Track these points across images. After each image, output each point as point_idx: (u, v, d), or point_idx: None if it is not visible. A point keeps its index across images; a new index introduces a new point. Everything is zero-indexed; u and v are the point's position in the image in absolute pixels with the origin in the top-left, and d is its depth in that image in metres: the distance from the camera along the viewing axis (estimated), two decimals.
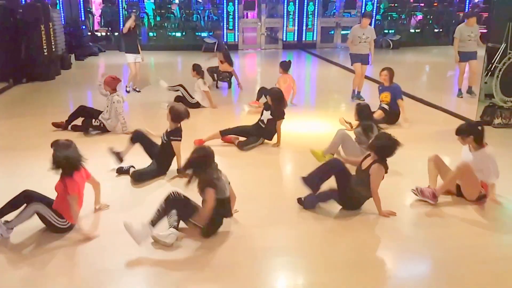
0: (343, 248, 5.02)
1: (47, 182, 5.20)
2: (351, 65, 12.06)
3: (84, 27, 20.96)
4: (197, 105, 10.74)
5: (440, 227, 5.52)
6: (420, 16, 26.37)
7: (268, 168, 7.37)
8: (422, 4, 26.19)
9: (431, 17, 26.13)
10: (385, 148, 5.56)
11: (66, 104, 12.01)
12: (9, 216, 5.06)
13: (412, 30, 26.07)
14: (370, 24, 12.06)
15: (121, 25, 22.74)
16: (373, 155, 5.63)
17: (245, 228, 5.41)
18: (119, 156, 6.96)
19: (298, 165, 7.54)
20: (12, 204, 5.09)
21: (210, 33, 23.71)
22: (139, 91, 12.61)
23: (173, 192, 5.07)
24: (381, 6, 25.41)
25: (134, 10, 21.94)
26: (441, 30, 25.87)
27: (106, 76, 8.83)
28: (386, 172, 5.58)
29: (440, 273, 4.63)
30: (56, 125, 9.04)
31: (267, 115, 8.16)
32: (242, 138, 8.23)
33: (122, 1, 22.95)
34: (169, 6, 24.47)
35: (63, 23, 19.00)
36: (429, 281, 4.53)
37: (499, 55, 9.31)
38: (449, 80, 15.14)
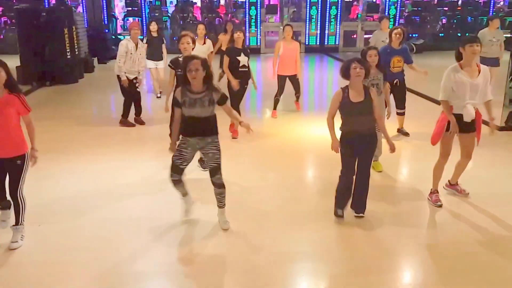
0: (364, 253, 4.99)
1: (65, 185, 5.23)
2: None
3: (107, 30, 21.13)
4: None
5: (461, 232, 5.44)
6: (443, 20, 26.14)
7: (289, 172, 7.33)
8: (446, 8, 25.95)
9: (455, 21, 25.87)
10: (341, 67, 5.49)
11: (89, 107, 12.11)
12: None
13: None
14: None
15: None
16: None
17: (265, 232, 5.40)
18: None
19: (319, 169, 7.52)
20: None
21: None
22: (159, 97, 12.49)
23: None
24: (406, 10, 25.28)
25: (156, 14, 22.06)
26: (465, 34, 25.61)
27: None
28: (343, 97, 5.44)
29: (465, 279, 4.55)
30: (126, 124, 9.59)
31: (244, 59, 8.59)
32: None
33: (145, 5, 23.14)
34: (190, 9, 24.58)
35: (86, 26, 19.18)
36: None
37: None
38: None
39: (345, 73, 5.33)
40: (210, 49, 10.77)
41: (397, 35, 8.34)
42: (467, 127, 5.76)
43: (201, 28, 10.67)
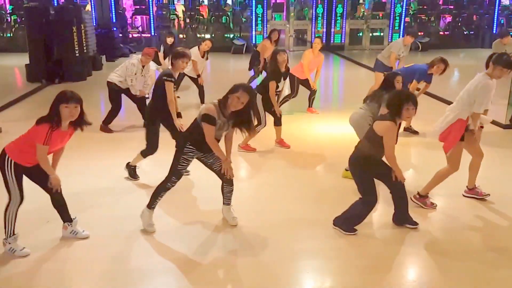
0: (370, 251, 5.04)
1: (72, 182, 5.23)
2: (376, 72, 11.30)
3: (115, 28, 21.28)
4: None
5: (467, 231, 5.51)
6: (448, 19, 26.12)
7: (294, 170, 7.42)
8: (452, 6, 25.93)
9: (460, 19, 25.85)
10: (392, 100, 5.04)
11: (97, 104, 12.21)
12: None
13: (441, 32, 25.82)
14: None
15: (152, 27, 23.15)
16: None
17: (272, 229, 5.45)
18: None
19: (325, 167, 7.59)
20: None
21: (239, 36, 23.80)
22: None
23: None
24: (412, 8, 25.28)
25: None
26: (470, 32, 25.58)
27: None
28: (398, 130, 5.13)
29: (469, 278, 4.62)
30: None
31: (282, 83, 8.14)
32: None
33: (152, 3, 23.25)
34: (198, 8, 24.67)
35: (94, 24, 19.32)
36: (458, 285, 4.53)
37: None
38: None
39: (396, 110, 4.97)
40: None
41: (439, 70, 8.60)
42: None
43: (208, 44, 11.10)
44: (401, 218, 5.49)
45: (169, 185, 5.23)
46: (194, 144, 5.09)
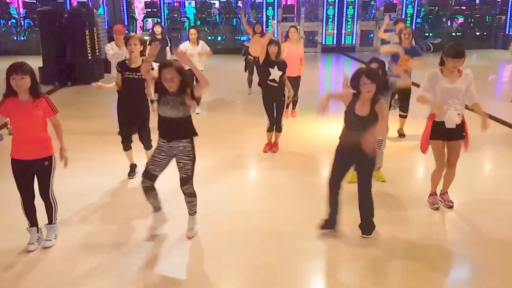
0: (379, 252, 5.04)
1: (86, 183, 5.27)
2: None
3: (127, 31, 21.37)
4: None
5: (473, 233, 5.51)
6: (461, 19, 25.97)
7: (302, 171, 7.42)
8: (464, 7, 25.78)
9: (473, 20, 25.71)
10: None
11: (109, 107, 12.27)
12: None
13: (453, 33, 25.68)
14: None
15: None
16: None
17: (279, 230, 5.47)
18: None
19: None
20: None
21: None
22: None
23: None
24: (422, 9, 25.19)
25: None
26: (483, 33, 25.43)
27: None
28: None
29: (483, 277, 4.64)
30: None
31: (275, 72, 7.76)
32: None
33: (164, 6, 23.34)
34: (209, 10, 24.70)
35: (106, 27, 19.43)
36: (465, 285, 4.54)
37: None
38: (491, 84, 14.96)
39: (355, 86, 4.93)
40: (205, 49, 11.32)
41: (406, 35, 8.49)
42: (452, 135, 5.67)
43: (193, 33, 11.08)
44: (363, 225, 5.36)
45: (142, 186, 5.13)
46: (158, 131, 5.08)
